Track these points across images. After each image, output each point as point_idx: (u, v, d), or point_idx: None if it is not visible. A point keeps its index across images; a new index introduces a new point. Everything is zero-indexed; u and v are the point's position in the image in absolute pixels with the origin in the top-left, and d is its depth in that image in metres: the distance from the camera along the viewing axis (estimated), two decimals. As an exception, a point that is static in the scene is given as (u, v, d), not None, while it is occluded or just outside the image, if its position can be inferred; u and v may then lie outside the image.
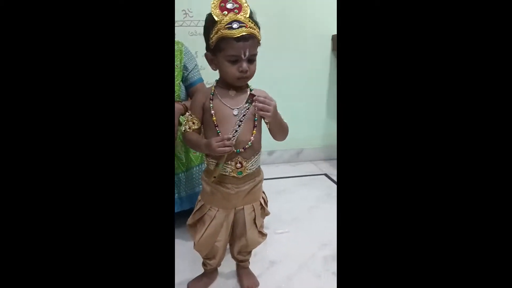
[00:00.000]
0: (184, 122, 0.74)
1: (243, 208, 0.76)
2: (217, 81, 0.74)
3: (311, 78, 1.79)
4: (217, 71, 0.72)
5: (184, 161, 1.04)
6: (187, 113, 0.74)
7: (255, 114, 0.70)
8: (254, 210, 0.77)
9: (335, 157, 1.95)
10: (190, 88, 1.17)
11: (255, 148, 0.73)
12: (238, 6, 0.66)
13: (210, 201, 0.76)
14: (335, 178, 1.61)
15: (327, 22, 1.71)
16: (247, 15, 0.66)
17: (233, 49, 0.65)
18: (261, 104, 0.65)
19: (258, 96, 0.65)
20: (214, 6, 0.66)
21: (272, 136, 0.75)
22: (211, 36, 0.67)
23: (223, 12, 0.65)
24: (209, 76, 1.33)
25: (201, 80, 1.20)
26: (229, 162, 0.71)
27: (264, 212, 0.82)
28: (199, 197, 0.79)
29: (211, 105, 0.70)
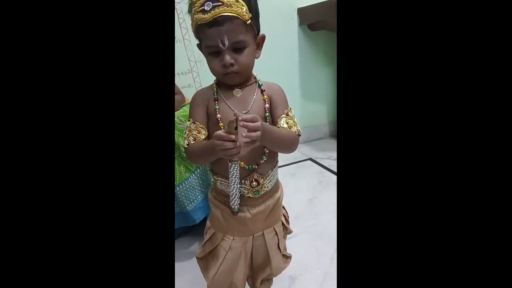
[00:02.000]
0: (184, 134, 0.54)
1: (263, 234, 0.61)
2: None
3: (280, 57, 1.66)
4: None
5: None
6: (188, 122, 0.54)
7: (265, 118, 0.54)
8: (276, 233, 0.62)
9: (315, 138, 1.89)
10: None
11: (272, 160, 0.58)
12: None
13: (223, 228, 0.59)
14: (321, 162, 1.54)
15: (292, -6, 1.57)
16: None
17: (207, 39, 0.49)
18: (244, 139, 0.43)
19: (240, 121, 0.43)
20: None
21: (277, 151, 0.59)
22: (191, 23, 0.51)
23: None
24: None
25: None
26: (243, 181, 0.55)
27: (287, 231, 0.68)
28: (208, 223, 0.63)
29: (216, 107, 0.53)
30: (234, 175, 0.51)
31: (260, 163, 0.55)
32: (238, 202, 0.55)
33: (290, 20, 1.62)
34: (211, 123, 0.54)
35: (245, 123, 0.43)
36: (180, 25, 1.35)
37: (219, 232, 0.60)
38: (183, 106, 0.92)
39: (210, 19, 0.46)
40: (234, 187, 0.52)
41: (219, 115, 0.53)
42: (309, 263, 0.88)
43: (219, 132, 0.45)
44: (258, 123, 0.44)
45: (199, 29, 0.49)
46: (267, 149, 0.55)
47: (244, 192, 0.56)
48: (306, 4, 1.56)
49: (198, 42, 0.54)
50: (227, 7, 0.46)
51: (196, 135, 0.53)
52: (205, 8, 0.46)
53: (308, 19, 1.59)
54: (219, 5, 0.46)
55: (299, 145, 1.76)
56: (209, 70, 0.54)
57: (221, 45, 0.48)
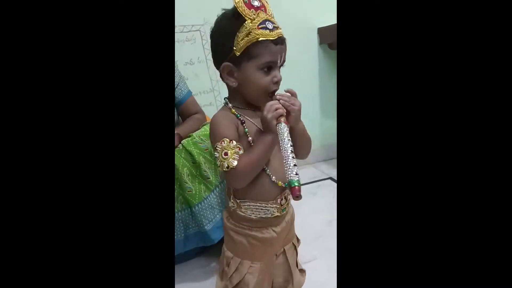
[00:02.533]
0: (222, 156, 0.50)
1: (283, 251, 0.60)
2: (227, 101, 0.57)
3: (301, 75, 1.66)
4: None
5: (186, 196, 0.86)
6: (223, 142, 0.50)
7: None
8: (295, 248, 0.63)
9: (335, 156, 1.86)
10: (180, 106, 0.99)
11: None
12: (261, 4, 0.51)
13: (250, 255, 0.58)
14: (341, 180, 1.50)
15: (313, 15, 1.59)
16: (272, 15, 0.52)
17: (270, 54, 0.51)
18: (285, 100, 0.51)
19: (280, 95, 0.52)
20: (239, 2, 0.49)
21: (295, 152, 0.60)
22: (238, 40, 0.50)
23: (251, 10, 0.49)
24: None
25: (190, 93, 1.02)
26: (273, 201, 0.55)
27: (298, 243, 0.67)
28: (228, 253, 0.60)
29: (245, 130, 0.53)
30: (284, 133, 0.48)
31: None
32: (296, 169, 0.45)
33: (311, 40, 1.64)
34: (242, 145, 0.53)
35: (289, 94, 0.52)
36: (203, 46, 1.40)
37: (246, 260, 0.58)
38: (204, 125, 0.94)
39: (277, 37, 0.51)
40: (289, 151, 0.46)
41: (250, 138, 0.53)
42: (329, 288, 0.85)
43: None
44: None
45: (258, 45, 0.50)
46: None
47: (273, 213, 0.56)
48: (326, 24, 1.58)
49: (224, 63, 0.54)
50: (281, 30, 0.53)
51: (238, 151, 0.50)
52: (268, 27, 0.50)
53: (328, 39, 1.60)
54: (277, 27, 0.52)
55: (319, 163, 1.72)
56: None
57: (278, 61, 0.53)
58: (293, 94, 0.54)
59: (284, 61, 0.54)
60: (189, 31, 1.33)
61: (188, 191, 0.83)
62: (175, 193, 0.84)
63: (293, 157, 0.46)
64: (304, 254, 0.97)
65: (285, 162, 0.46)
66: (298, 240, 0.67)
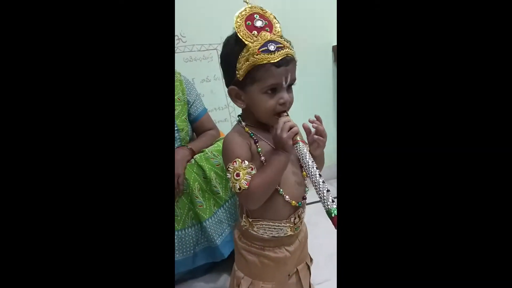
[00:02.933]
0: (234, 177, 0.50)
1: (297, 271, 0.59)
2: (241, 119, 0.58)
3: (316, 92, 1.68)
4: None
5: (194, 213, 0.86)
6: (235, 163, 0.50)
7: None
8: (308, 267, 0.62)
9: (350, 173, 1.82)
10: (195, 123, 1.01)
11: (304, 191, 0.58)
12: (267, 23, 0.50)
13: (262, 275, 0.57)
14: (357, 199, 1.46)
15: (327, 33, 1.61)
16: (280, 33, 0.51)
17: (273, 77, 0.50)
18: (320, 137, 0.52)
19: (317, 124, 0.52)
20: (239, 25, 0.49)
21: None
22: (240, 65, 0.50)
23: (252, 32, 0.49)
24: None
25: (205, 111, 1.04)
26: (286, 220, 0.55)
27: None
28: (239, 273, 0.59)
29: (258, 149, 0.53)
30: (306, 154, 0.46)
31: (305, 196, 0.56)
32: (330, 195, 0.42)
33: (325, 57, 1.65)
34: (255, 164, 0.53)
35: (319, 126, 0.52)
36: (219, 64, 1.45)
37: (257, 281, 0.58)
38: (217, 141, 0.95)
39: (279, 59, 0.49)
40: (317, 175, 0.44)
41: (263, 158, 0.53)
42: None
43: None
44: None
45: (259, 69, 0.49)
46: (306, 180, 0.56)
47: (286, 232, 0.55)
48: (341, 42, 1.59)
49: (230, 86, 0.55)
50: (288, 49, 0.50)
51: (251, 172, 0.50)
52: (270, 49, 0.48)
53: (343, 56, 1.61)
54: (282, 47, 0.49)
55: (332, 180, 1.69)
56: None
57: (284, 83, 0.51)
58: (320, 120, 0.54)
59: (293, 79, 0.53)
60: (206, 49, 1.38)
61: (199, 206, 0.83)
62: (186, 209, 0.84)
63: (323, 182, 0.44)
64: (317, 275, 0.94)
65: (316, 188, 0.44)
66: (311, 259, 0.66)
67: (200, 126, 1.01)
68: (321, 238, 1.16)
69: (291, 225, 0.55)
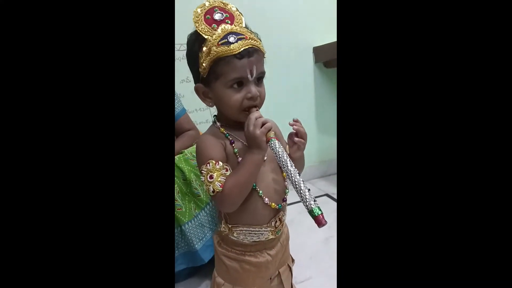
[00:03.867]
0: (207, 179, 0.48)
1: (278, 274, 0.57)
2: (216, 119, 0.55)
3: (297, 93, 1.69)
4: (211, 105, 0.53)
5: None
6: (209, 165, 0.48)
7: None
8: (290, 269, 0.59)
9: (332, 172, 1.84)
10: (175, 123, 1.00)
11: (285, 192, 0.56)
12: (228, 15, 0.48)
13: (244, 281, 0.55)
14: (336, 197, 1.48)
15: (308, 34, 1.63)
16: (243, 25, 0.48)
17: (236, 70, 0.46)
18: (301, 140, 0.50)
19: (298, 126, 0.50)
20: (197, 19, 0.47)
21: None
22: (201, 61, 0.48)
23: (212, 26, 0.47)
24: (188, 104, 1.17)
25: (183, 111, 1.02)
26: (268, 224, 0.52)
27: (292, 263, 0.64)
28: (219, 279, 0.57)
29: (235, 150, 0.51)
30: (282, 152, 0.44)
31: (285, 198, 0.54)
32: (311, 197, 0.41)
33: (306, 59, 1.67)
34: (231, 165, 0.50)
35: (299, 128, 0.50)
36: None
37: (238, 287, 0.56)
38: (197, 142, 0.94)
39: (240, 50, 0.45)
40: (297, 176, 0.42)
41: (240, 158, 0.50)
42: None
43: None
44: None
45: (220, 62, 0.47)
46: (287, 181, 0.54)
47: (268, 236, 0.53)
48: (321, 43, 1.61)
49: (195, 84, 0.53)
50: (252, 40, 0.47)
51: (225, 173, 0.48)
52: (230, 40, 0.45)
53: (323, 57, 1.63)
54: (243, 38, 0.46)
55: (315, 180, 1.70)
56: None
57: (249, 76, 0.47)
58: (299, 123, 0.52)
59: (261, 72, 0.49)
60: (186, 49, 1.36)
61: (178, 209, 0.81)
62: None
63: (303, 182, 0.42)
64: (299, 274, 0.94)
65: (296, 188, 0.42)
66: (292, 260, 0.65)
67: (179, 127, 0.99)
68: (303, 237, 1.17)
69: (272, 229, 0.53)
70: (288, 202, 1.54)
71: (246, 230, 0.52)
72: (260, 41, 0.49)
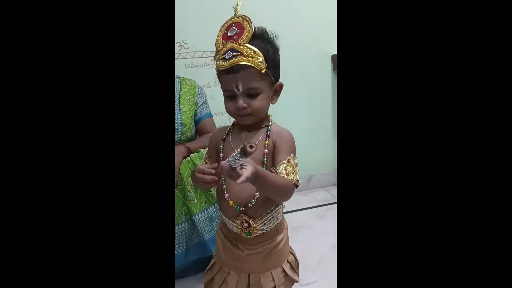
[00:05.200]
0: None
1: (259, 275, 0.61)
2: None
3: (314, 100, 1.71)
4: None
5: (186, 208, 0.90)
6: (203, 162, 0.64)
7: (263, 162, 0.55)
8: (273, 279, 0.60)
9: (347, 180, 1.84)
10: (199, 124, 1.09)
11: (265, 205, 0.57)
12: (239, 31, 0.52)
13: (221, 260, 0.63)
14: (352, 205, 1.48)
15: (326, 42, 1.65)
16: (246, 41, 0.52)
17: (225, 84, 0.55)
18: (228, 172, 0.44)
19: (225, 163, 0.43)
20: (219, 35, 0.55)
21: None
22: (215, 68, 0.57)
23: (223, 41, 0.54)
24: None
25: (209, 115, 1.12)
26: (233, 220, 0.58)
27: (290, 279, 0.63)
28: (214, 252, 0.68)
29: (221, 147, 0.60)
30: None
31: (248, 206, 0.56)
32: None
33: (324, 66, 1.69)
34: (219, 160, 0.59)
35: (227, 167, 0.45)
36: (220, 70, 1.50)
37: (217, 263, 0.64)
38: None
39: (228, 67, 0.52)
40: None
41: (221, 154, 0.59)
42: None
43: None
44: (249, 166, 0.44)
45: (219, 75, 0.56)
46: (258, 193, 0.56)
47: (236, 230, 0.59)
48: (340, 51, 1.63)
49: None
50: (245, 57, 0.51)
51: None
52: (226, 57, 0.52)
53: (341, 65, 1.64)
54: (238, 55, 0.51)
55: (330, 187, 1.70)
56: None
57: (235, 90, 0.53)
58: (246, 153, 0.42)
59: (249, 88, 0.53)
60: (208, 56, 1.43)
61: (190, 200, 0.88)
62: (180, 204, 0.88)
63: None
64: (305, 277, 0.97)
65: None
66: (287, 276, 0.63)
67: (203, 128, 1.08)
68: (313, 241, 1.19)
69: (239, 227, 0.58)
70: (298, 208, 1.55)
71: (223, 216, 0.61)
72: (261, 57, 0.52)
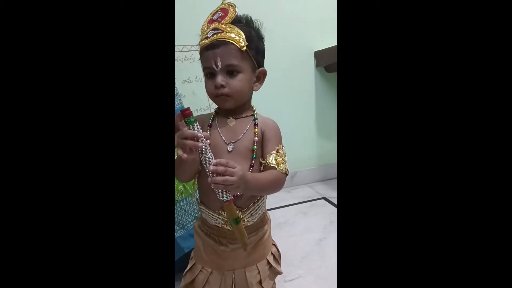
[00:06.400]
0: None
1: (244, 270, 0.59)
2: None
3: (298, 97, 1.71)
4: None
5: None
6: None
7: (252, 150, 0.55)
8: (259, 272, 0.59)
9: (331, 177, 1.85)
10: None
11: (253, 195, 0.56)
12: (223, 14, 0.53)
13: (203, 259, 0.59)
14: (334, 201, 1.49)
15: (309, 39, 1.65)
16: (229, 21, 0.52)
17: (205, 61, 0.54)
18: (219, 179, 0.46)
19: (216, 167, 0.46)
20: (206, 20, 0.55)
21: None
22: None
23: (208, 24, 0.54)
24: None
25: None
26: (219, 212, 0.55)
27: (274, 271, 0.63)
28: (192, 253, 0.63)
29: (208, 133, 0.56)
30: (206, 151, 0.48)
31: (237, 194, 0.54)
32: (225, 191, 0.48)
33: (307, 63, 1.69)
34: None
35: (222, 168, 0.46)
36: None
37: (198, 264, 0.60)
38: None
39: (208, 43, 0.51)
40: (211, 169, 0.47)
41: (208, 141, 0.53)
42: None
43: (182, 130, 0.49)
44: (236, 169, 0.46)
45: (201, 54, 0.55)
46: None
47: (221, 223, 0.56)
48: (322, 47, 1.63)
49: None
50: (225, 33, 0.51)
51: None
52: (208, 35, 0.52)
53: (324, 61, 1.65)
54: (219, 33, 0.51)
55: (314, 184, 1.71)
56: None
57: (214, 66, 0.52)
58: (232, 166, 0.47)
59: (229, 65, 0.52)
60: (188, 50, 1.39)
61: None
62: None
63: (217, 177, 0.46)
64: (290, 272, 0.95)
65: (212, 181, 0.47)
66: (272, 267, 0.63)
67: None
68: (296, 237, 1.18)
69: (224, 218, 0.55)
70: (283, 204, 1.55)
71: (208, 212, 0.56)
72: (242, 35, 0.51)
